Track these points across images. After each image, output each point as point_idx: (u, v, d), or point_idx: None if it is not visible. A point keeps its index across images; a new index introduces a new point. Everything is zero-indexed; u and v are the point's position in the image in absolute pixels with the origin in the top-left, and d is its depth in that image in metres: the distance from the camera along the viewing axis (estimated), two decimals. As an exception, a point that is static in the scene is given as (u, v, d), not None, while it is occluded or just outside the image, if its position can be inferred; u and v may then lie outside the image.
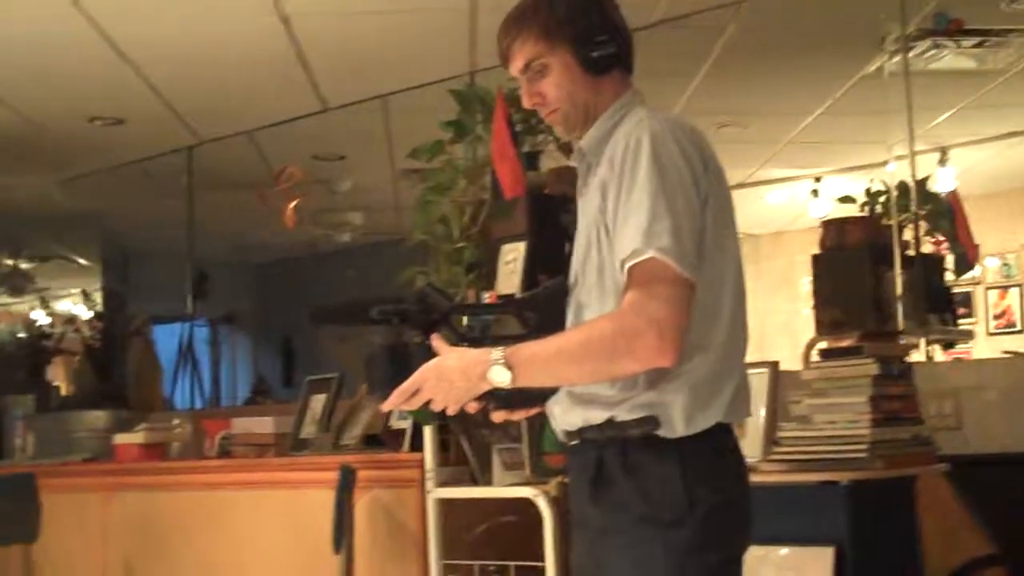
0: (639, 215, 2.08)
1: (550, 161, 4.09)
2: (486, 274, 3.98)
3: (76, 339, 8.94)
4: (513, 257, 3.84)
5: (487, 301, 3.81)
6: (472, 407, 2.21)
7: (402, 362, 2.17)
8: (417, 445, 3.97)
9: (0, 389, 6.99)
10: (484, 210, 4.06)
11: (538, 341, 2.14)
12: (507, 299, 3.61)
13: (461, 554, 3.71)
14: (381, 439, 4.39)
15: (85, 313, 9.83)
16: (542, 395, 2.29)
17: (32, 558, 4.80)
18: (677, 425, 2.14)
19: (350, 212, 9.12)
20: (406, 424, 4.16)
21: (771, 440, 3.52)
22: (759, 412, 3.58)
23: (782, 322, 9.01)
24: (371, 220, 9.22)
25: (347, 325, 2.35)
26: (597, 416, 2.19)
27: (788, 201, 8.91)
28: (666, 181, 2.09)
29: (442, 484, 3.77)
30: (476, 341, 2.22)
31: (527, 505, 3.49)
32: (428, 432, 3.81)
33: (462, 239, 4.05)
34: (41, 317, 9.52)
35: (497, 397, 2.19)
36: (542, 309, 2.32)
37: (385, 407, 2.24)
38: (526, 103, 2.35)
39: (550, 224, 3.80)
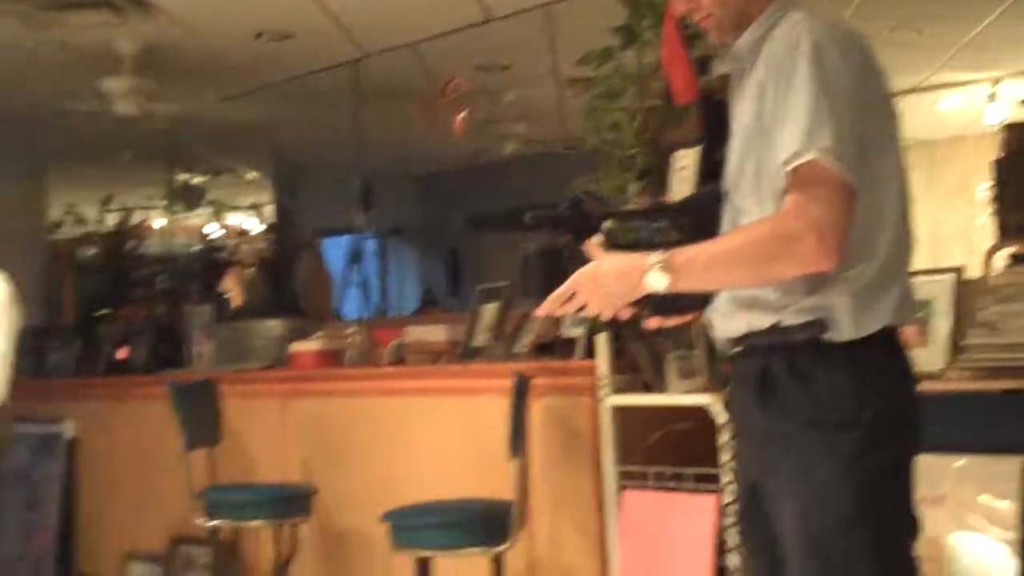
0: (799, 116, 2.05)
1: (722, 66, 4.02)
2: (657, 181, 3.95)
3: (249, 251, 9.17)
4: (685, 164, 3.81)
5: (642, 207, 3.78)
6: (627, 313, 2.22)
7: (557, 268, 2.18)
8: (590, 353, 3.99)
9: (179, 300, 7.20)
10: (655, 117, 4.02)
11: (696, 245, 2.13)
12: (662, 205, 3.58)
13: (635, 461, 3.73)
14: (552, 347, 4.42)
15: (256, 226, 10.07)
16: (699, 301, 2.28)
17: (215, 461, 4.96)
18: (844, 329, 2.12)
19: (514, 122, 9.12)
20: (578, 332, 4.18)
21: (956, 348, 3.44)
22: (942, 319, 3.50)
23: (957, 229, 8.79)
24: (535, 130, 9.21)
25: (502, 231, 2.37)
26: (761, 321, 2.18)
27: (963, 106, 8.65)
28: (826, 83, 2.06)
29: (616, 391, 3.79)
30: (631, 247, 2.21)
31: (702, 412, 3.50)
32: (602, 340, 3.83)
33: (633, 146, 4.02)
34: (215, 230, 9.77)
35: (653, 303, 2.18)
36: (698, 215, 2.30)
37: (539, 312, 2.26)
38: (680, 9, 2.32)
39: (723, 130, 3.74)
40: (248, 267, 8.57)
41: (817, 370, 2.13)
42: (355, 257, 9.29)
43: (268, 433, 5.33)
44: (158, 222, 9.29)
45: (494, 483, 4.01)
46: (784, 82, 2.09)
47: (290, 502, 4.74)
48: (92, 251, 8.36)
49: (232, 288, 7.20)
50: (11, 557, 6.65)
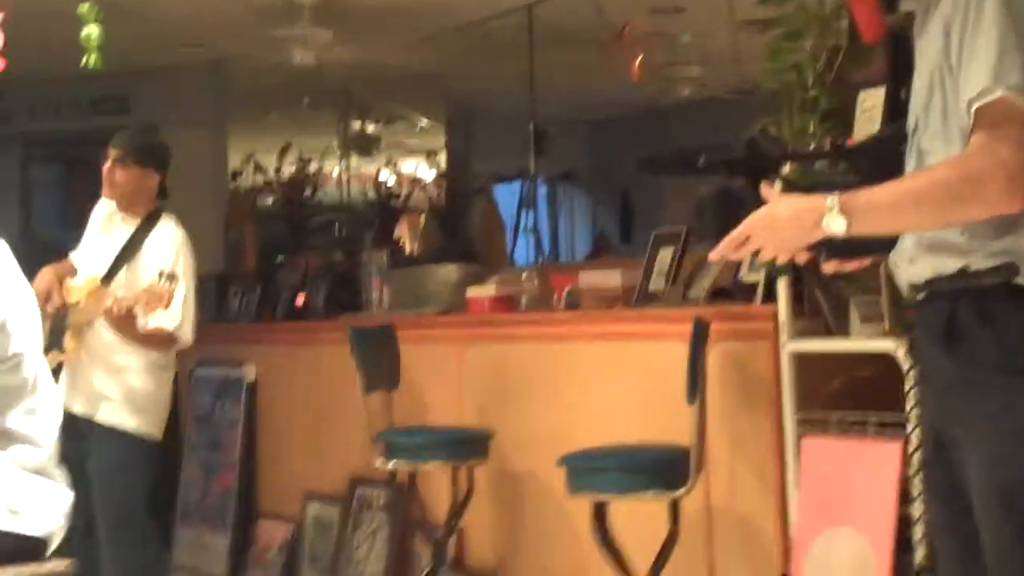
0: (987, 53, 1.96)
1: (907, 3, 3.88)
2: (841, 123, 3.84)
3: (422, 198, 9.26)
4: (871, 104, 3.69)
5: (821, 149, 3.69)
6: (803, 257, 2.16)
7: (732, 211, 2.12)
8: (770, 297, 3.91)
9: (355, 246, 7.30)
10: (839, 56, 3.91)
11: (876, 187, 2.06)
12: (841, 147, 3.48)
13: (816, 407, 3.66)
14: (730, 292, 4.35)
15: (430, 173, 10.14)
16: (879, 244, 2.20)
17: (392, 404, 5.02)
18: (1036, 272, 2.03)
19: (689, 66, 8.99)
20: (757, 277, 4.10)
21: None
22: None
23: None
24: (710, 74, 9.07)
25: (676, 175, 2.33)
26: (949, 266, 2.10)
27: None
28: (1016, 17, 1.97)
29: (796, 337, 3.72)
30: (809, 189, 2.15)
31: (885, 358, 3.40)
32: (782, 284, 3.75)
33: (816, 87, 3.91)
34: (389, 178, 9.87)
35: (830, 246, 2.12)
36: (879, 156, 2.23)
37: (713, 256, 2.21)
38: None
39: (909, 69, 3.62)
40: (422, 214, 8.65)
41: (1007, 315, 2.05)
42: (527, 202, 9.31)
43: (444, 377, 5.38)
44: (334, 170, 9.43)
45: (670, 429, 3.98)
46: (971, 18, 2.01)
47: (466, 445, 4.77)
48: (271, 199, 8.53)
49: (406, 235, 7.27)
50: (195, 496, 6.87)
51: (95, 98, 8.27)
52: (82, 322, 4.66)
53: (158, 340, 4.74)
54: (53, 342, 4.47)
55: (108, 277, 4.78)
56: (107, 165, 4.83)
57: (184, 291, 4.69)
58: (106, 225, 4.98)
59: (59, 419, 3.06)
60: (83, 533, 4.22)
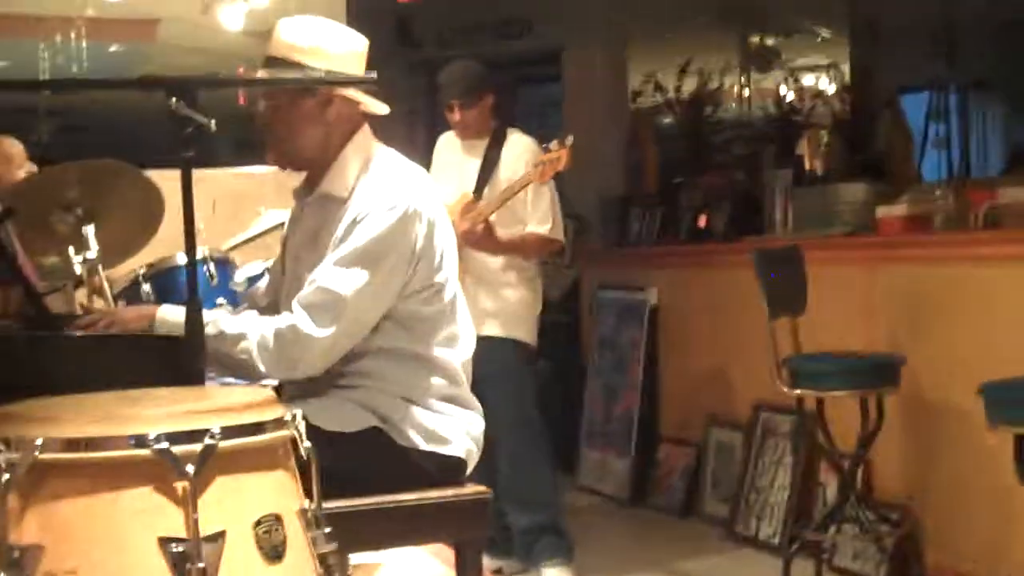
0: None
1: None
2: None
3: (825, 113, 8.95)
4: None
5: None
6: None
7: None
8: None
9: (756, 164, 7.13)
10: None
11: None
12: None
13: None
14: None
15: (832, 87, 9.79)
16: None
17: (798, 329, 4.87)
18: None
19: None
20: None
21: None
22: None
23: None
24: None
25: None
26: None
27: None
28: None
29: None
30: None
31: None
32: None
33: None
34: (790, 93, 9.60)
35: None
36: None
37: None
38: None
39: None
40: (825, 129, 8.37)
41: None
42: (936, 114, 8.84)
43: (853, 302, 5.18)
44: (734, 87, 9.25)
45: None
46: None
47: (876, 372, 4.58)
48: (671, 119, 8.45)
49: (809, 151, 7.05)
50: (598, 419, 6.96)
51: (499, 22, 8.42)
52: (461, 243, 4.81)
53: (533, 246, 4.98)
54: None
55: (478, 188, 5.02)
56: (451, 115, 5.05)
57: (549, 191, 4.93)
58: (456, 154, 5.16)
59: (473, 347, 3.10)
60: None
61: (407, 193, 2.92)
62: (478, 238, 4.79)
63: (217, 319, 2.86)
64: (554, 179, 4.98)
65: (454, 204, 4.88)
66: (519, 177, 4.82)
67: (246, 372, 2.84)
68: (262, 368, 2.83)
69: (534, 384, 5.13)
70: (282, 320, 2.86)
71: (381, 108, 3.05)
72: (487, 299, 4.96)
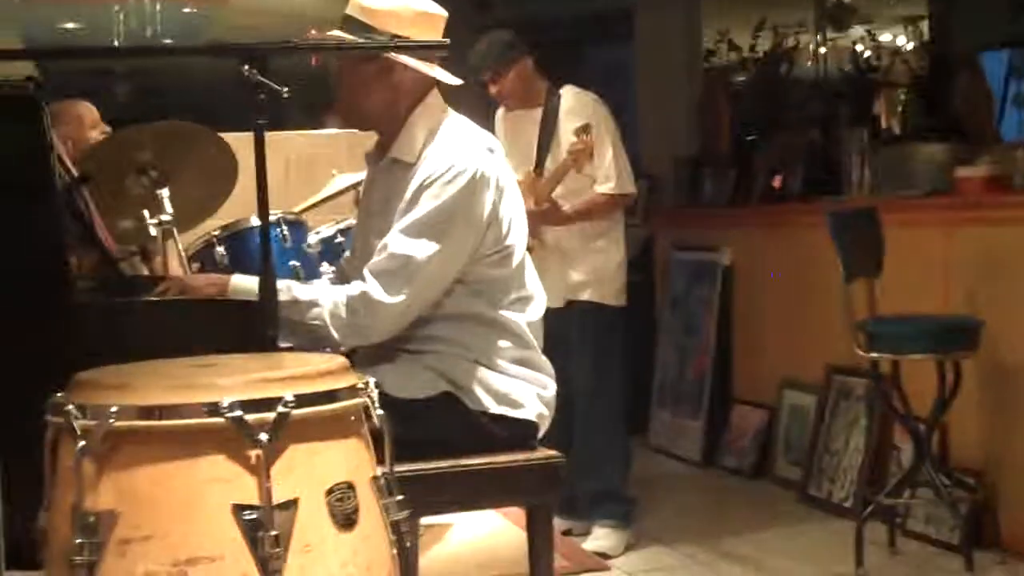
0: None
1: None
2: None
3: (903, 71, 8.80)
4: None
5: None
6: None
7: None
8: None
9: (832, 124, 7.03)
10: None
11: None
12: None
13: None
14: None
15: (910, 44, 9.63)
16: None
17: (874, 291, 4.81)
18: None
19: None
20: None
21: None
22: None
23: None
24: None
25: None
26: None
27: None
28: None
29: None
30: None
31: None
32: None
33: None
34: (866, 50, 9.46)
35: None
36: None
37: None
38: None
39: None
40: (902, 87, 8.23)
41: None
42: (1017, 72, 8.66)
43: (930, 264, 5.09)
44: (810, 45, 9.12)
45: None
46: None
47: (953, 336, 4.51)
48: (745, 78, 8.35)
49: (886, 110, 6.94)
50: (671, 380, 6.93)
51: (571, -19, 8.38)
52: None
53: (603, 206, 4.94)
54: None
55: (539, 165, 4.96)
56: (490, 88, 4.97)
57: (610, 145, 4.87)
58: (513, 127, 5.10)
59: (543, 310, 3.10)
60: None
61: (474, 158, 2.91)
62: (546, 217, 4.79)
63: (291, 286, 2.88)
64: (621, 133, 4.96)
65: (522, 183, 4.87)
66: (560, 163, 4.80)
67: (319, 339, 2.86)
68: (335, 335, 2.84)
69: (621, 352, 5.12)
70: (353, 288, 2.87)
71: (448, 78, 3.04)
72: (573, 267, 4.97)
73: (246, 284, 2.86)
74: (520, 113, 5.07)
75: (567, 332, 4.84)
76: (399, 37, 2.88)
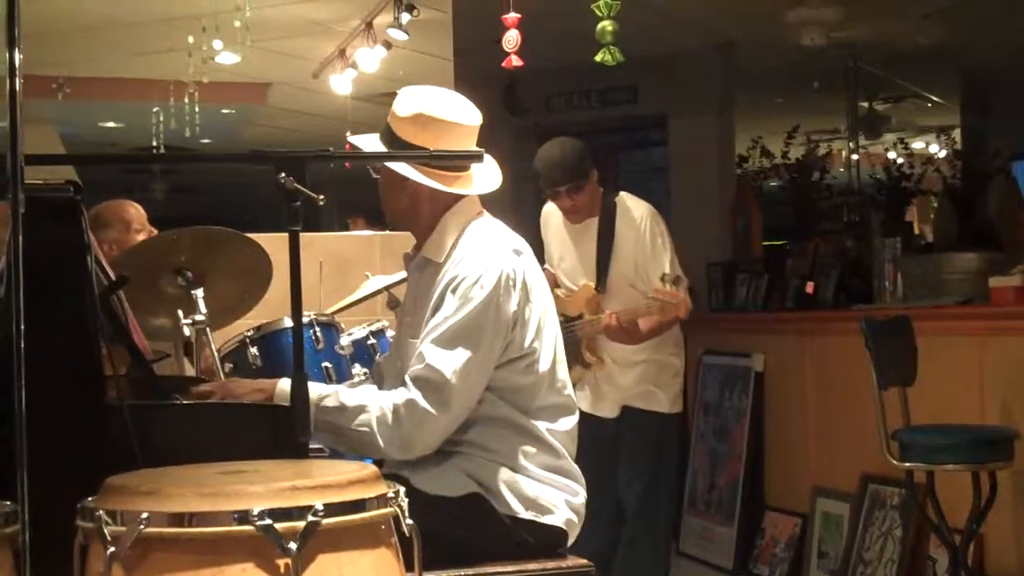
0: None
1: None
2: None
3: (935, 179, 8.83)
4: None
5: None
6: None
7: None
8: None
9: (865, 231, 7.04)
10: None
11: None
12: None
13: None
14: None
15: (942, 152, 9.66)
16: None
17: (908, 400, 4.78)
18: None
19: None
20: None
21: None
22: None
23: None
24: None
25: None
26: None
27: None
28: None
29: None
30: None
31: None
32: None
33: None
34: (899, 158, 9.50)
35: None
36: None
37: None
38: None
39: None
40: (935, 196, 8.25)
41: None
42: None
43: (964, 373, 5.06)
44: (842, 152, 9.17)
45: None
46: None
47: (988, 446, 4.46)
48: (777, 183, 8.39)
49: (919, 218, 6.94)
50: (703, 485, 6.87)
51: (604, 89, 8.45)
52: (592, 333, 4.77)
53: (671, 323, 4.80)
54: (573, 359, 4.55)
55: (600, 280, 4.87)
56: (560, 202, 4.84)
57: (671, 260, 4.79)
58: (569, 234, 5.01)
59: (576, 418, 3.08)
60: (601, 522, 4.31)
61: (501, 260, 2.92)
62: (619, 335, 4.68)
63: (338, 391, 2.88)
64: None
65: (578, 295, 4.86)
66: (644, 306, 4.60)
67: (363, 447, 2.84)
68: (380, 443, 2.82)
69: (673, 454, 5.07)
70: (399, 395, 2.86)
71: (469, 190, 3.05)
72: (632, 377, 4.91)
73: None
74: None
75: (620, 440, 4.85)
76: (418, 147, 2.92)
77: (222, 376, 3.43)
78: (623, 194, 4.98)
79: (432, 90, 3.06)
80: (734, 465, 6.62)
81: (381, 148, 3.01)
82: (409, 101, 3.00)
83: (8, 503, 1.92)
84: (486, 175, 3.07)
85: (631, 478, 4.86)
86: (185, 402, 2.84)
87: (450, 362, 2.83)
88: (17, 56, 1.86)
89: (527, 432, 2.96)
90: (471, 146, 2.97)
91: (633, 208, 4.90)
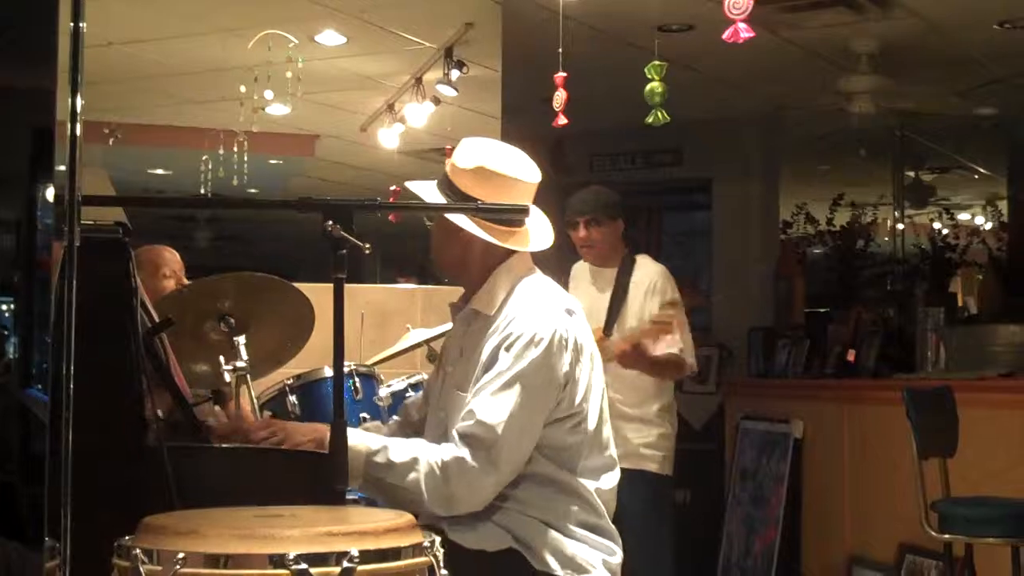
0: None
1: None
2: None
3: (981, 251, 8.78)
4: None
5: None
6: None
7: None
8: None
9: (908, 301, 7.01)
10: None
11: None
12: None
13: None
14: None
15: (988, 224, 9.61)
16: None
17: (949, 471, 4.73)
18: None
19: None
20: None
21: None
22: None
23: None
24: None
25: None
26: None
27: None
28: None
29: None
30: None
31: None
32: None
33: None
34: (944, 228, 9.46)
35: None
36: None
37: None
38: None
39: None
40: (980, 267, 8.20)
41: None
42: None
43: (1007, 445, 5.02)
44: (887, 221, 9.14)
45: None
46: None
47: (1030, 521, 4.41)
48: (821, 250, 8.37)
49: (963, 289, 6.91)
50: (738, 551, 6.81)
51: (649, 150, 8.47)
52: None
53: (669, 367, 4.93)
54: None
55: (607, 327, 5.00)
56: (580, 231, 5.06)
57: (682, 319, 4.91)
58: (587, 282, 5.19)
59: (617, 475, 3.06)
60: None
61: (554, 320, 2.91)
62: (630, 357, 4.77)
63: (387, 446, 2.84)
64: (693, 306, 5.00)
65: None
66: (642, 328, 4.82)
67: (408, 504, 2.80)
68: (425, 499, 2.80)
69: (670, 518, 5.11)
70: (447, 452, 2.82)
71: (522, 245, 3.05)
72: (629, 433, 4.93)
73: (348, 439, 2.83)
74: (596, 269, 5.16)
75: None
76: (471, 199, 2.92)
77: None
78: (642, 256, 5.22)
79: (494, 143, 3.07)
80: (770, 532, 6.56)
81: (438, 196, 3.00)
82: (471, 153, 3.00)
83: (49, 539, 1.94)
84: (540, 232, 3.07)
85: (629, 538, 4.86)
86: (224, 446, 2.85)
87: (501, 420, 2.80)
88: (79, 102, 1.89)
89: (571, 491, 2.94)
90: (528, 203, 2.97)
91: (648, 265, 5.14)
